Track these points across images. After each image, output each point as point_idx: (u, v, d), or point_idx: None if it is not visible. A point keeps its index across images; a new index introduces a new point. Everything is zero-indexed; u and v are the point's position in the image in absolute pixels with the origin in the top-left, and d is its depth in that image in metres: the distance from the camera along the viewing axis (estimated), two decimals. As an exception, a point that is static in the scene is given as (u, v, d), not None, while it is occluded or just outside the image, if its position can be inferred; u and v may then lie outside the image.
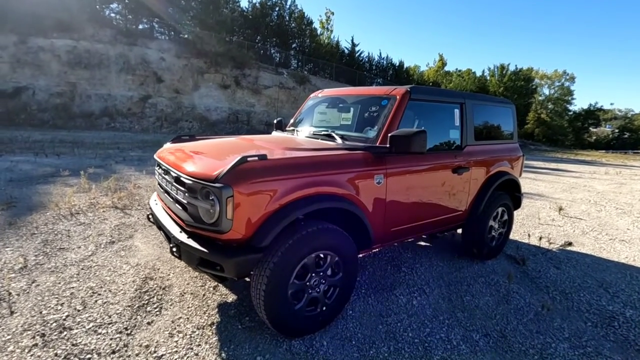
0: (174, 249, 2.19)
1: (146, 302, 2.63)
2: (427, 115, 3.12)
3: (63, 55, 21.47)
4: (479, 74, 43.54)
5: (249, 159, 2.04)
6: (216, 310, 2.58)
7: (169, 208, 2.48)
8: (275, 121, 3.98)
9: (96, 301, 2.59)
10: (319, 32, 35.90)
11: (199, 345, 2.19)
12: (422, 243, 4.26)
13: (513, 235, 4.74)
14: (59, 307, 2.47)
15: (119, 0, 27.73)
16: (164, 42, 26.00)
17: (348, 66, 32.85)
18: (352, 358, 2.17)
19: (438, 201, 3.11)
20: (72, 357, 2.01)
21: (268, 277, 2.06)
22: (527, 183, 9.70)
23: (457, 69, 46.82)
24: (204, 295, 2.78)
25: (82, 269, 3.07)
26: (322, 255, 2.31)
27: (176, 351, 2.12)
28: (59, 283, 2.80)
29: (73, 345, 2.11)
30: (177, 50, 25.36)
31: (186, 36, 28.13)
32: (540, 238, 4.48)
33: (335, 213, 2.43)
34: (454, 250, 4.03)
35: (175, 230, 2.25)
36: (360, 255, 2.89)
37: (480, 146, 3.51)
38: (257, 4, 31.28)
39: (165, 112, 24.27)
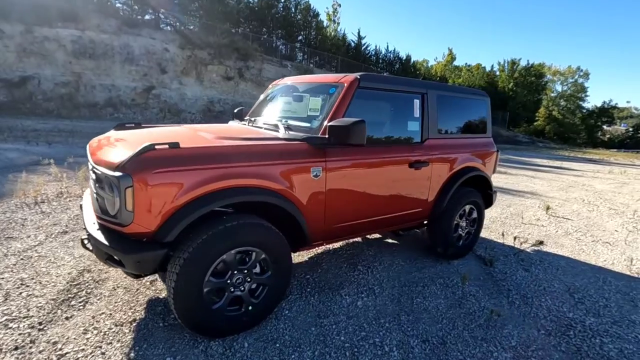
0: (85, 241, 2.07)
1: (73, 295, 2.52)
2: (380, 106, 2.93)
3: (68, 45, 21.55)
4: (489, 69, 42.61)
5: (157, 146, 1.89)
6: (144, 306, 2.47)
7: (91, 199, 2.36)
8: (235, 110, 3.82)
9: (21, 293, 2.49)
10: (325, 24, 35.45)
11: (110, 343, 2.07)
12: (389, 240, 4.09)
13: (490, 235, 4.54)
14: (-21, 299, 2.38)
15: (125, -9, 27.71)
16: (168, 33, 25.94)
17: (354, 59, 32.41)
18: (271, 362, 2.03)
19: (391, 197, 2.93)
20: (-31, 353, 1.91)
21: (177, 274, 1.92)
22: (523, 181, 9.40)
23: (466, 63, 45.90)
24: (137, 290, 2.67)
25: (22, 259, 2.98)
26: (245, 252, 2.16)
27: (83, 349, 2.01)
28: (-8, 273, 2.72)
29: (-24, 339, 2.01)
30: (181, 41, 25.28)
31: (191, 27, 28.07)
32: (515, 238, 4.26)
33: (271, 207, 2.28)
34: (422, 248, 3.85)
35: (89, 221, 2.13)
36: (296, 252, 2.73)
37: (444, 140, 3.31)
38: (263, -5, 30.95)
39: (168, 103, 24.30)
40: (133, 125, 3.02)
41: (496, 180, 9.04)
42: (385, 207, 2.91)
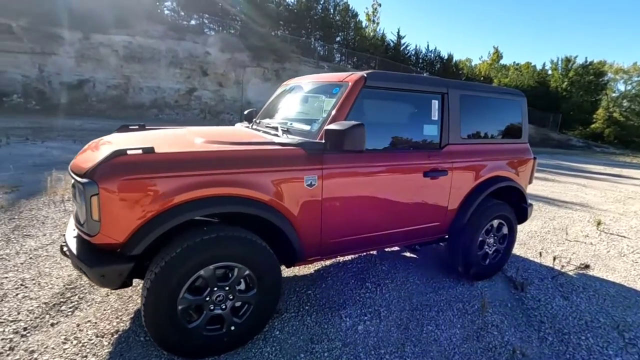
0: (64, 248, 1.99)
1: (65, 300, 2.49)
2: (391, 108, 2.63)
3: (120, 50, 22.97)
4: (539, 68, 39.69)
5: (129, 151, 1.76)
6: (131, 316, 2.37)
7: None
8: (245, 112, 3.68)
9: (17, 295, 2.49)
10: (364, 24, 34.99)
11: (85, 357, 1.98)
12: (407, 254, 3.74)
13: (526, 253, 4.03)
14: (-23, 298, 2.41)
15: (173, -2, 29.15)
16: (210, 37, 26.88)
17: (393, 59, 31.64)
18: (247, 392, 1.83)
19: (402, 210, 2.61)
20: (-51, 356, 1.89)
21: (148, 289, 1.78)
22: (572, 190, 8.48)
23: (514, 62, 43.18)
24: (129, 297, 2.58)
25: (31, 258, 3.03)
26: (227, 267, 1.97)
27: (56, 361, 1.93)
28: (-2, 272, 2.77)
29: (-40, 342, 2.00)
30: (222, 44, 26.08)
31: (232, 31, 28.89)
32: (555, 258, 3.73)
33: (259, 219, 2.08)
34: (442, 265, 3.47)
35: (70, 229, 2.06)
36: (290, 267, 2.50)
37: (468, 145, 2.93)
38: (302, -3, 31.16)
39: (208, 105, 25.18)
40: (137, 127, 2.97)
41: (540, 188, 8.25)
42: (394, 220, 2.61)
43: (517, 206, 3.38)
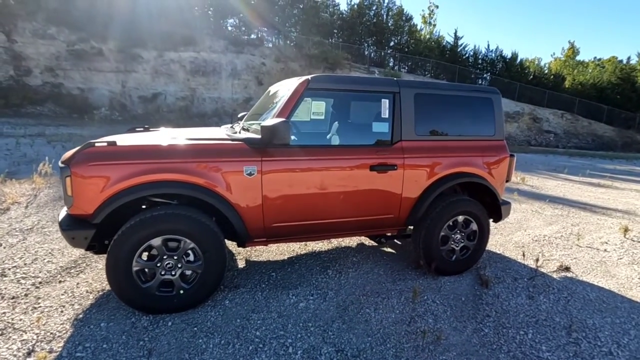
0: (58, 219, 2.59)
1: (76, 265, 3.14)
2: (339, 107, 2.87)
3: (187, 65, 25.49)
4: (625, 62, 35.01)
5: (96, 144, 2.29)
6: (118, 280, 2.92)
7: None
8: (239, 115, 4.15)
9: (44, 259, 3.21)
10: (419, 27, 34.30)
11: (72, 305, 2.55)
12: (387, 249, 3.88)
13: (516, 256, 3.89)
14: (17, 260, 3.16)
15: (235, 15, 31.62)
16: (265, 49, 28.56)
17: (449, 62, 30.48)
18: (180, 342, 2.22)
19: (347, 200, 2.82)
20: (-16, 296, 2.59)
21: (109, 252, 2.28)
22: (627, 197, 7.58)
23: (595, 57, 38.70)
24: (124, 266, 3.15)
25: (65, 234, 3.80)
26: (175, 240, 2.40)
27: (51, 305, 2.52)
28: (39, 243, 3.55)
29: (-6, 287, 2.70)
30: (276, 55, 27.58)
31: (287, 42, 30.36)
32: (537, 260, 3.55)
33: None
34: (414, 261, 3.55)
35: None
36: (244, 247, 2.84)
37: (424, 142, 3.03)
38: (355, 5, 31.62)
39: (263, 112, 26.63)
40: (142, 128, 3.58)
41: (586, 193, 7.56)
42: (339, 210, 2.83)
43: (490, 204, 3.35)
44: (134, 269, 2.33)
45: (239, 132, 2.83)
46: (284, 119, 2.36)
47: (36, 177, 5.48)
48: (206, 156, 2.44)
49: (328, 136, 3.04)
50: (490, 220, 3.42)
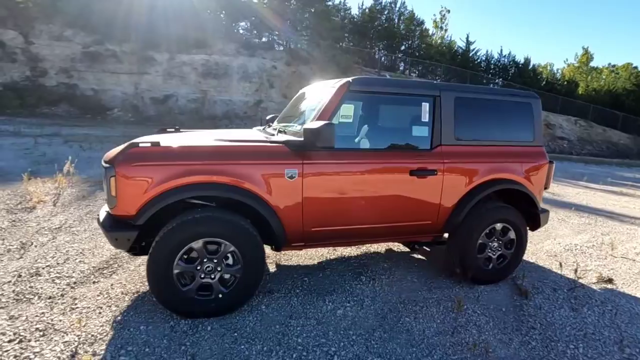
0: (98, 220, 2.57)
1: (108, 266, 3.12)
2: (378, 109, 2.82)
3: (199, 67, 25.67)
4: (640, 67, 34.50)
5: (140, 144, 2.26)
6: (152, 282, 2.89)
7: None
8: (267, 117, 4.12)
9: (76, 259, 3.20)
10: (431, 32, 34.22)
11: (109, 306, 2.52)
12: (416, 255, 3.80)
13: (550, 265, 3.79)
14: (49, 259, 3.15)
15: (247, 18, 31.87)
16: (277, 52, 28.70)
17: (461, 66, 30.34)
18: (222, 348, 2.17)
19: (386, 205, 2.76)
20: (21, 295, 2.57)
21: (150, 254, 2.24)
22: (630, 203, 7.40)
23: (609, 63, 38.20)
24: (155, 268, 3.13)
25: (93, 234, 3.80)
26: (216, 243, 2.36)
27: (89, 306, 2.49)
28: (68, 242, 3.55)
29: (30, 287, 2.69)
30: (287, 58, 27.69)
31: (299, 45, 30.49)
32: (576, 270, 3.45)
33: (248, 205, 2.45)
34: (447, 269, 3.47)
35: (105, 205, 2.64)
36: (279, 251, 2.79)
37: (463, 147, 2.96)
38: (367, 10, 31.68)
39: (274, 115, 26.69)
40: (173, 129, 3.57)
41: (610, 202, 7.39)
42: (378, 215, 2.77)
43: (528, 212, 3.26)
44: (175, 271, 2.30)
45: (277, 135, 2.79)
46: (328, 121, 2.31)
47: (60, 177, 5.51)
48: (249, 158, 2.40)
49: (356, 140, 2.97)
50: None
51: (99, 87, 22.27)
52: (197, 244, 2.31)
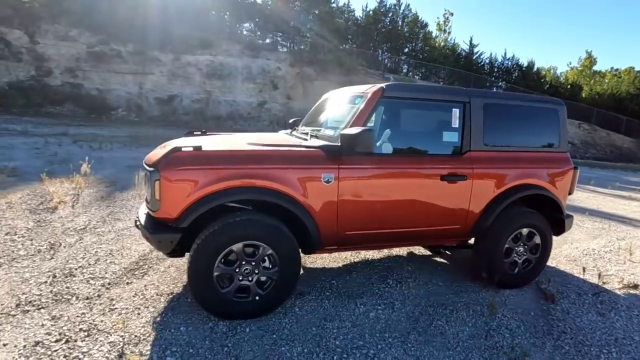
0: (137, 222, 2.61)
1: (139, 267, 3.15)
2: (410, 115, 2.86)
3: (204, 68, 25.72)
4: (643, 72, 34.57)
5: (183, 148, 2.30)
6: (184, 283, 2.92)
7: None
8: (291, 121, 4.16)
9: (106, 260, 3.23)
10: (434, 34, 34.30)
11: (147, 307, 2.55)
12: (438, 258, 3.84)
13: (572, 270, 3.82)
14: (80, 260, 3.18)
15: (251, 19, 31.96)
16: (281, 53, 28.76)
17: (464, 69, 30.42)
18: (263, 350, 2.21)
19: (417, 210, 2.80)
20: (59, 296, 2.61)
21: (192, 256, 2.28)
22: (662, 211, 7.43)
23: (612, 67, 38.28)
24: (184, 270, 3.15)
25: (118, 235, 3.83)
26: (254, 246, 2.40)
27: (127, 307, 2.52)
28: (95, 243, 3.58)
29: (67, 287, 2.72)
30: (291, 60, 27.74)
31: (302, 47, 30.57)
32: (600, 275, 3.49)
33: (284, 208, 2.48)
34: (470, 272, 3.50)
35: (142, 208, 2.68)
36: (312, 254, 2.83)
37: (492, 152, 3.00)
38: (370, 12, 31.77)
39: (277, 116, 26.77)
40: (200, 132, 3.60)
41: (620, 206, 7.43)
42: (409, 219, 2.81)
43: (553, 216, 3.29)
44: (215, 274, 2.33)
45: (310, 139, 2.83)
46: (367, 127, 2.35)
47: (78, 178, 5.55)
48: (289, 163, 2.44)
49: (378, 144, 2.98)
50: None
51: (103, 87, 22.31)
52: (237, 247, 2.35)
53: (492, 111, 3.00)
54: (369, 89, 2.78)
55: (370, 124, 3.36)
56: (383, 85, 2.72)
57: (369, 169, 2.61)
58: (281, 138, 3.11)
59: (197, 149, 2.32)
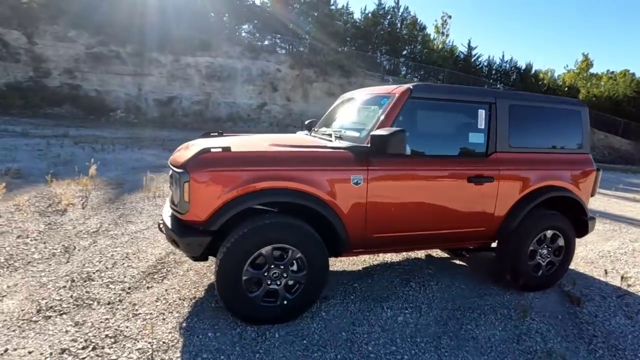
0: (160, 225, 2.54)
1: (157, 271, 3.08)
2: (437, 116, 2.82)
3: (203, 70, 25.62)
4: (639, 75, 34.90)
5: (212, 149, 2.24)
6: (205, 288, 2.86)
7: None
8: (306, 122, 4.11)
9: (124, 264, 3.16)
10: (433, 37, 34.41)
11: (171, 312, 2.49)
12: (456, 261, 3.80)
13: (591, 272, 3.80)
14: (97, 263, 3.11)
15: (250, 21, 31.94)
16: (281, 55, 28.73)
17: (463, 71, 30.54)
18: (295, 356, 2.15)
19: (444, 212, 2.76)
20: (80, 301, 2.54)
21: (221, 260, 2.22)
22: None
23: (608, 70, 38.60)
24: (204, 274, 3.10)
25: (132, 238, 3.76)
26: (282, 249, 2.34)
27: (151, 312, 2.46)
28: (110, 246, 3.51)
29: (87, 292, 2.65)
30: (291, 62, 27.72)
31: (301, 49, 30.57)
32: (622, 277, 3.47)
33: (313, 210, 2.43)
34: (491, 274, 3.47)
35: (166, 210, 2.62)
36: (338, 257, 2.78)
37: (517, 154, 2.97)
38: (369, 14, 31.85)
39: (277, 118, 26.73)
40: (217, 133, 3.54)
41: (628, 208, 7.44)
42: (436, 221, 2.77)
43: (576, 218, 3.27)
44: (244, 277, 2.27)
45: (335, 140, 2.79)
46: (399, 129, 2.31)
47: (85, 179, 5.46)
48: (318, 164, 2.40)
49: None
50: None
51: (102, 88, 22.15)
52: (266, 250, 2.29)
53: (517, 112, 2.97)
54: (395, 89, 2.75)
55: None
56: (410, 85, 2.68)
57: (398, 170, 2.57)
58: (305, 139, 3.07)
59: (227, 149, 2.27)
